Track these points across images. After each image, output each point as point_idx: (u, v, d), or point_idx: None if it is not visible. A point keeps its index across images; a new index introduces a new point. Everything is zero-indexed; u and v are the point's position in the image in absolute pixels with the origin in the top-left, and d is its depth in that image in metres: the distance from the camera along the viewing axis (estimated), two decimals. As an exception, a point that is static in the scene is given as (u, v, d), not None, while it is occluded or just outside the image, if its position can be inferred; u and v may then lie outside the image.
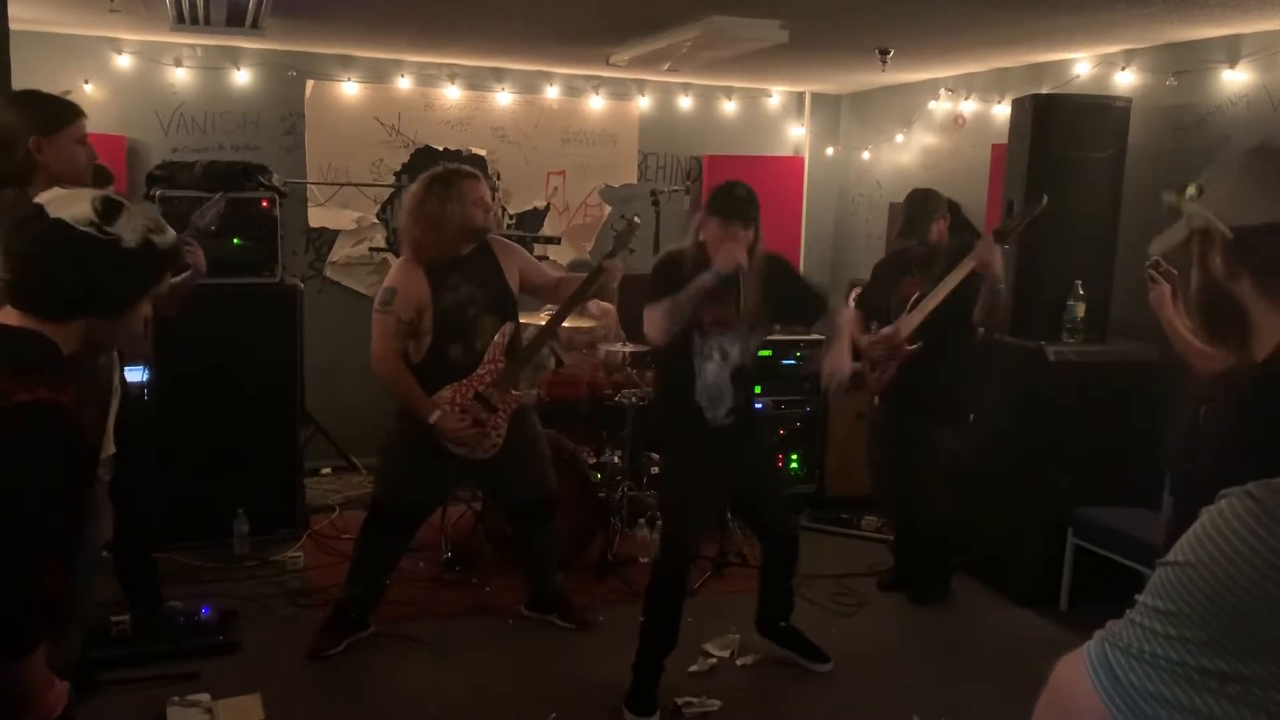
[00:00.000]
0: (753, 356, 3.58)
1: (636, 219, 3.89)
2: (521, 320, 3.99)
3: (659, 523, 4.80)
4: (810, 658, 3.84)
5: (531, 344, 3.96)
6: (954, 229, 4.39)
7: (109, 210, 1.66)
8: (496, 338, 3.75)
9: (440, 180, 3.67)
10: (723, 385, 3.47)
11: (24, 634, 1.56)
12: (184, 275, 3.53)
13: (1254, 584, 0.74)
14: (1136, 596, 0.84)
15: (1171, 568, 0.81)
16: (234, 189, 4.72)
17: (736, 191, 3.39)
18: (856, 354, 4.38)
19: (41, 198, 1.68)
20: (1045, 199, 4.04)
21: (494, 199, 6.22)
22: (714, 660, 3.85)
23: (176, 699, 3.34)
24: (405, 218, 3.73)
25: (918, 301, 4.21)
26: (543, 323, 4.19)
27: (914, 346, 4.19)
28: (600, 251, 6.67)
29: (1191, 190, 1.42)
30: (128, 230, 1.67)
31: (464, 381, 3.69)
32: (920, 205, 4.33)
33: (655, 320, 3.36)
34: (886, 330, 4.29)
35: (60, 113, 2.97)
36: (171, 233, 1.79)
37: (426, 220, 3.63)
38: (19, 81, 3.51)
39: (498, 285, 3.78)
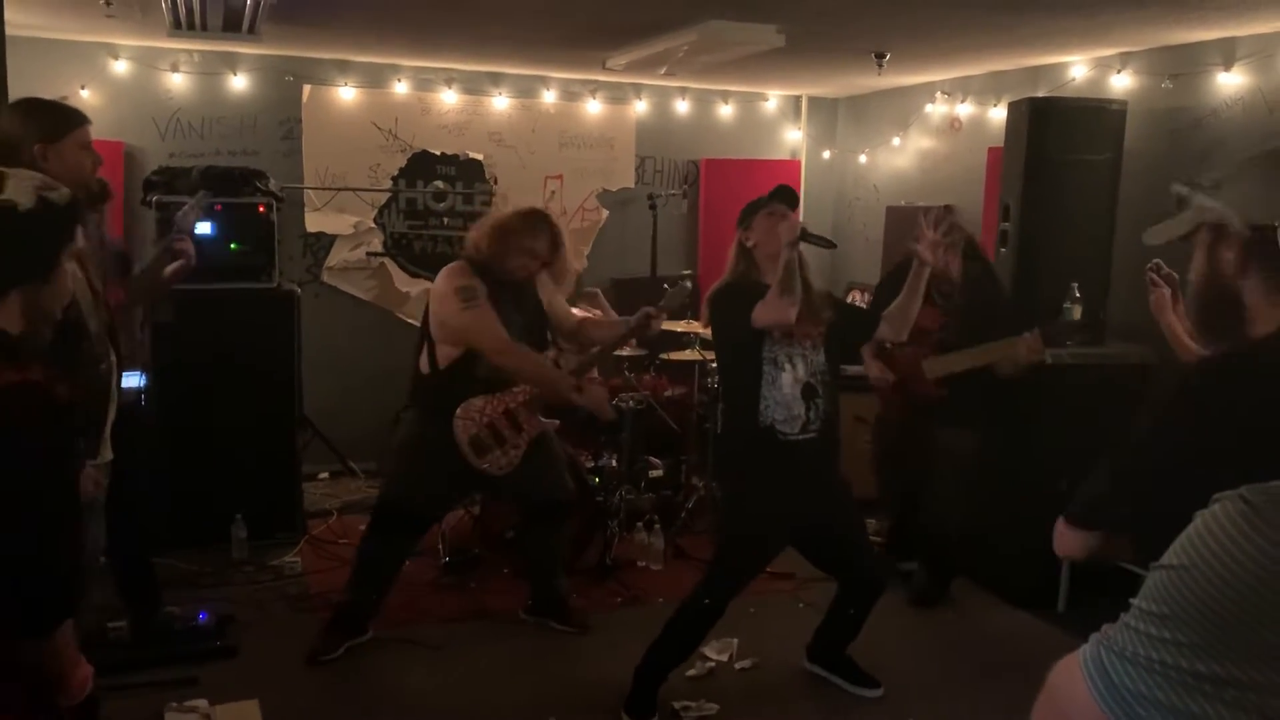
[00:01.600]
0: (820, 375, 3.37)
1: (689, 283, 4.01)
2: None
3: (656, 527, 4.82)
4: (859, 684, 3.71)
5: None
6: (968, 258, 4.32)
7: None
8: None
9: (536, 216, 3.78)
10: (792, 397, 3.30)
11: (49, 609, 1.59)
12: (176, 265, 3.55)
13: (1247, 587, 0.74)
14: (1131, 600, 0.84)
15: (1165, 571, 0.81)
16: (231, 194, 4.74)
17: (772, 191, 3.41)
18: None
19: None
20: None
21: (492, 204, 6.26)
22: (712, 664, 3.85)
23: (174, 704, 3.34)
24: (490, 234, 3.73)
25: (943, 343, 4.23)
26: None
27: (944, 392, 4.22)
28: (597, 256, 6.70)
29: (1207, 185, 1.49)
30: (19, 194, 1.66)
31: (499, 395, 3.74)
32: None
33: (772, 305, 3.16)
34: (905, 358, 4.31)
35: (64, 119, 2.97)
36: (64, 188, 1.78)
37: (515, 246, 3.70)
38: (15, 87, 3.51)
39: (537, 315, 3.88)
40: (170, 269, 3.58)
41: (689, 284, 3.99)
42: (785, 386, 3.30)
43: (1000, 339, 4.09)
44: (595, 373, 4.15)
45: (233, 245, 4.73)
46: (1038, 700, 0.93)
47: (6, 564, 1.53)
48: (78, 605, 1.78)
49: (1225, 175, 1.50)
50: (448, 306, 3.64)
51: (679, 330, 5.23)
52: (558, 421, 4.03)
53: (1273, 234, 1.41)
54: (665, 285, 4.04)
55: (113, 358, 2.94)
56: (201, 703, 3.36)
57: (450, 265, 3.79)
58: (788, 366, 3.31)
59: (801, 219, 3.40)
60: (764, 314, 3.19)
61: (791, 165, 7.23)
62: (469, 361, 3.69)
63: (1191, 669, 0.75)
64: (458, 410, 3.68)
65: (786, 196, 3.40)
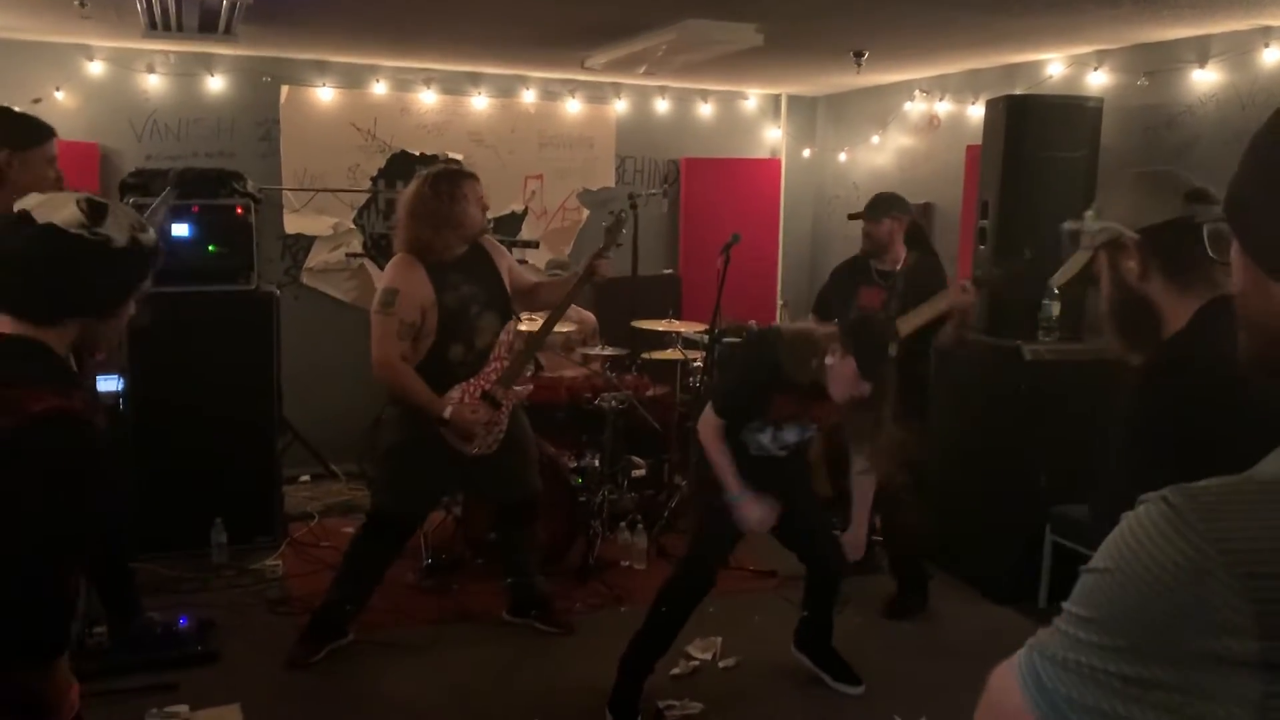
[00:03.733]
0: (802, 442, 3.51)
1: (624, 213, 3.91)
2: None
3: (639, 526, 4.82)
4: (843, 680, 3.73)
5: (531, 343, 3.98)
6: (912, 243, 4.38)
7: (96, 212, 1.67)
8: (502, 335, 3.76)
9: (445, 178, 3.65)
10: (771, 445, 3.41)
11: (54, 639, 1.58)
12: None
13: (1169, 590, 0.74)
14: (1063, 604, 0.84)
15: (1092, 574, 0.81)
16: (208, 196, 4.71)
17: (889, 352, 3.10)
18: None
19: (23, 203, 1.69)
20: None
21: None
22: (696, 663, 3.85)
23: (155, 710, 3.32)
24: (407, 217, 3.65)
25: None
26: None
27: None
28: (579, 255, 6.68)
29: (1090, 213, 1.62)
30: (116, 230, 1.68)
31: (471, 381, 3.70)
32: (884, 197, 4.40)
33: (709, 429, 3.27)
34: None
35: (34, 131, 2.95)
36: (153, 230, 1.80)
37: (435, 219, 3.59)
38: (-11, 88, 3.48)
39: (495, 283, 3.77)
40: None
41: (624, 213, 3.92)
42: (766, 439, 3.40)
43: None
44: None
45: (210, 247, 4.69)
46: (979, 705, 0.94)
47: (11, 595, 1.52)
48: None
49: (1102, 202, 1.62)
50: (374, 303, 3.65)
51: (660, 329, 5.23)
52: (531, 386, 4.02)
53: (1161, 229, 1.56)
54: (602, 224, 4.00)
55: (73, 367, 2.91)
56: (182, 708, 3.34)
57: (394, 258, 3.72)
58: (769, 432, 3.38)
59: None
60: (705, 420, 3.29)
61: (771, 164, 7.24)
62: (441, 352, 3.65)
63: (1119, 672, 0.75)
64: None
65: (872, 371, 3.07)
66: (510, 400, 3.78)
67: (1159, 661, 0.74)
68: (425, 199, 3.61)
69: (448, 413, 3.60)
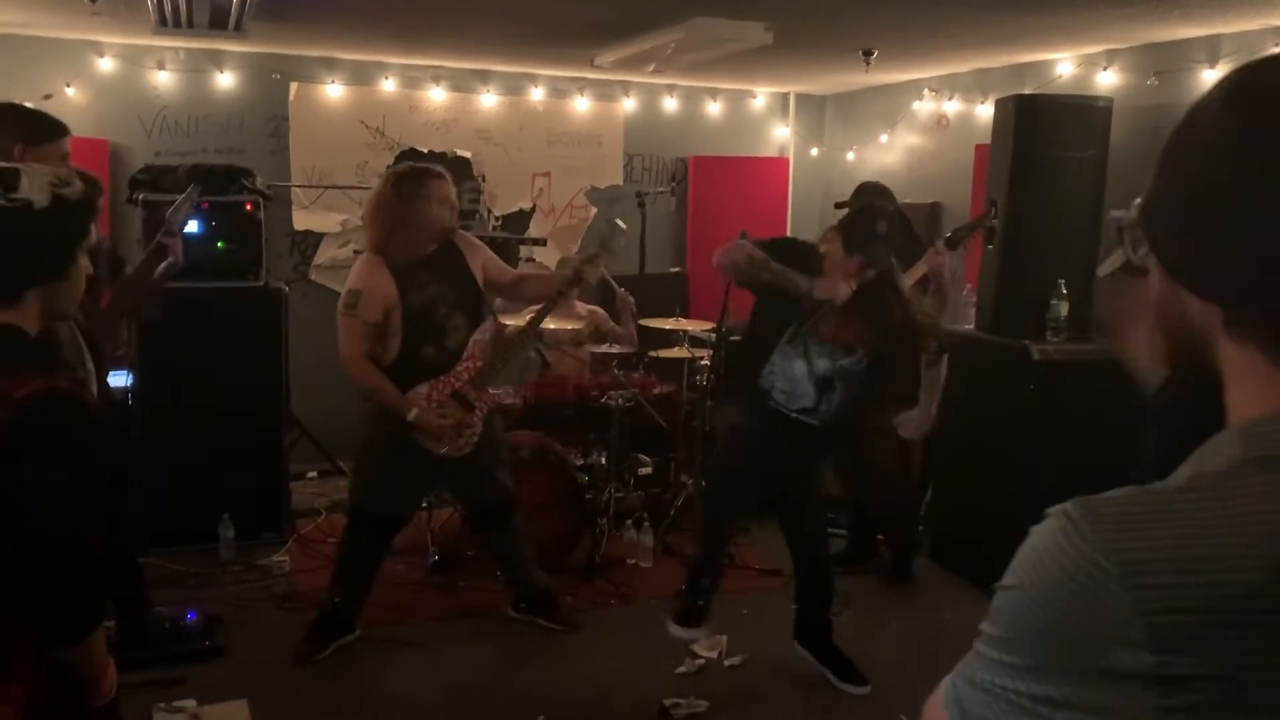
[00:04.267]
0: (847, 377, 3.51)
1: (620, 222, 3.89)
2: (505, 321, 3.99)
3: (646, 524, 4.82)
4: (848, 679, 3.70)
5: (512, 343, 3.92)
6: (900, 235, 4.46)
7: (6, 179, 1.64)
8: (477, 335, 3.73)
9: (408, 178, 3.63)
10: (802, 380, 3.47)
11: (87, 615, 1.60)
12: (165, 264, 3.53)
13: (1067, 605, 0.73)
14: (981, 625, 0.84)
15: (1002, 591, 0.81)
16: (218, 192, 4.72)
17: (877, 228, 3.37)
18: None
19: None
20: (994, 211, 4.33)
21: (480, 201, 6.26)
22: (702, 661, 3.85)
23: (162, 705, 3.32)
24: (369, 217, 3.66)
25: None
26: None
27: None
28: (601, 220, 6.68)
29: (1139, 201, 1.51)
30: (34, 191, 1.65)
31: (440, 379, 3.67)
32: (868, 186, 4.62)
33: (729, 252, 3.42)
34: None
35: (48, 127, 2.97)
36: (79, 182, 1.77)
37: (394, 221, 3.58)
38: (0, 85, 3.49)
39: (465, 282, 3.74)
40: (160, 268, 3.56)
41: (620, 222, 3.92)
42: (796, 368, 3.45)
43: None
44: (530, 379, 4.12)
45: (220, 244, 4.70)
46: None
47: (40, 571, 1.53)
48: (107, 607, 1.79)
49: (1147, 197, 1.52)
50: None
51: (667, 328, 5.23)
52: (511, 390, 4.01)
53: (1132, 230, 1.46)
54: (598, 233, 3.99)
55: (89, 365, 2.92)
56: (190, 703, 3.34)
57: (360, 259, 3.71)
58: (803, 358, 3.44)
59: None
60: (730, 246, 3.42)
61: (780, 162, 7.24)
62: (411, 351, 3.63)
63: (1029, 692, 0.74)
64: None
65: (865, 250, 3.36)
66: (485, 402, 3.76)
67: (1063, 679, 0.72)
68: (387, 199, 3.60)
69: (412, 415, 3.59)
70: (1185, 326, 0.84)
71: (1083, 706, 0.72)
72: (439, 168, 3.78)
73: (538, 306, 3.96)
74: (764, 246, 3.47)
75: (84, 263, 1.78)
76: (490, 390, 3.79)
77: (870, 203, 3.58)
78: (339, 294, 6.21)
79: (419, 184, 3.61)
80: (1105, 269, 1.65)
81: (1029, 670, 0.75)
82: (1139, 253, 1.36)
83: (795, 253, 3.48)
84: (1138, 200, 1.53)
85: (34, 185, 1.65)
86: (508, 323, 4.10)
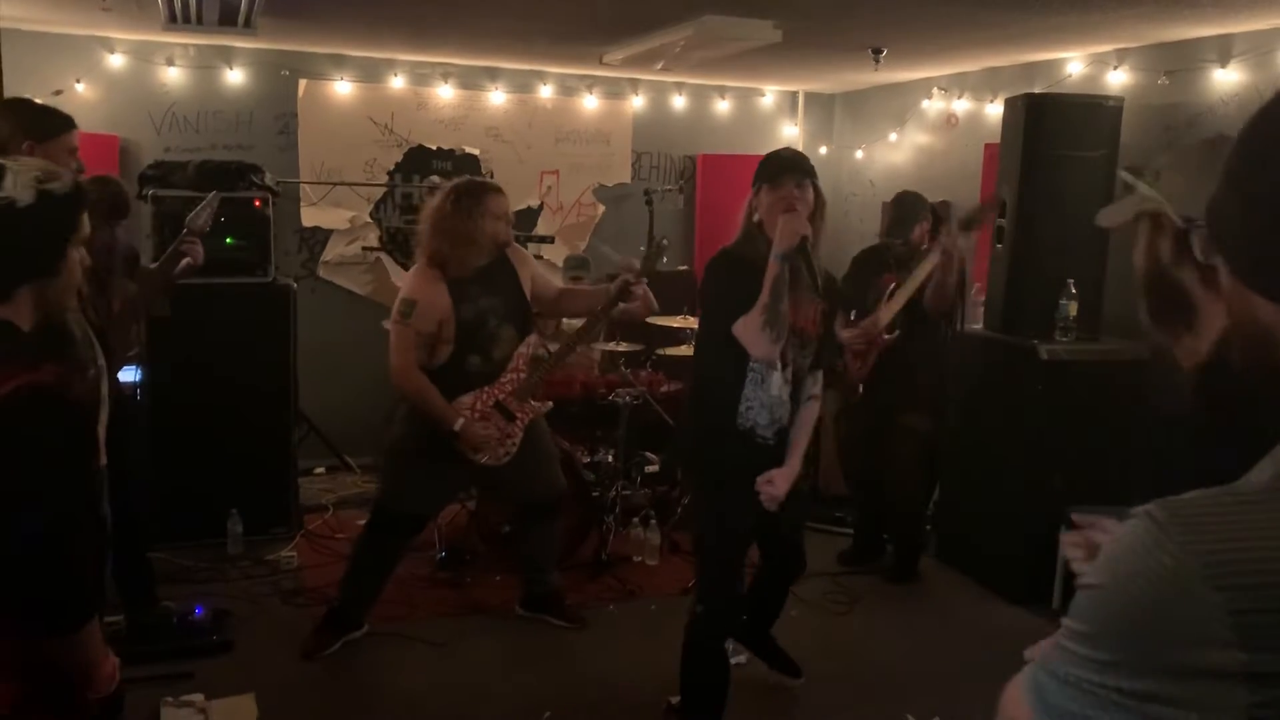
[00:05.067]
0: (804, 374, 3.09)
1: (665, 241, 3.91)
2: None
3: (652, 522, 4.82)
4: (785, 671, 3.72)
5: (554, 358, 3.92)
6: (935, 233, 4.58)
7: None
8: (521, 348, 3.78)
9: (467, 193, 3.65)
10: (784, 400, 3.00)
11: (77, 607, 1.59)
12: (182, 264, 3.55)
13: (1156, 604, 0.75)
14: (1062, 619, 0.85)
15: (1087, 589, 0.82)
16: (227, 188, 4.72)
17: (782, 154, 3.00)
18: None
19: None
20: (1004, 201, 4.37)
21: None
22: (708, 659, 3.85)
23: (170, 699, 3.33)
24: (429, 230, 3.67)
25: (893, 293, 4.46)
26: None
27: (892, 336, 4.46)
28: (593, 250, 6.69)
29: (1151, 172, 1.48)
30: (18, 189, 1.64)
31: (485, 390, 3.71)
32: (909, 208, 4.61)
33: (754, 334, 2.82)
34: (866, 321, 4.49)
35: (54, 122, 2.99)
36: (66, 175, 1.76)
37: (454, 235, 3.60)
38: (10, 80, 3.51)
39: (515, 295, 3.79)
40: (178, 268, 3.59)
41: (665, 241, 3.92)
42: (774, 387, 2.96)
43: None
44: (587, 367, 4.12)
45: (228, 240, 4.72)
46: None
47: (24, 565, 1.53)
48: (101, 602, 1.78)
49: (1167, 163, 1.47)
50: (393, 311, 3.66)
51: (675, 325, 5.23)
52: (551, 403, 4.02)
53: (1199, 229, 1.37)
54: (641, 248, 3.94)
55: (101, 361, 2.93)
56: (198, 697, 3.35)
57: (414, 268, 3.74)
58: (778, 364, 2.94)
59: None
60: (742, 334, 2.85)
61: (788, 161, 7.22)
62: (459, 361, 3.67)
63: (1115, 685, 0.77)
64: None
65: (794, 166, 2.93)
66: (526, 415, 3.80)
67: (1151, 674, 0.75)
68: (446, 214, 3.62)
69: (458, 425, 3.62)
70: (1254, 326, 0.85)
71: (1172, 701, 0.74)
72: (497, 183, 3.82)
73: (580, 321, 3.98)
74: (730, 284, 2.94)
75: (77, 256, 1.77)
76: (532, 402, 3.82)
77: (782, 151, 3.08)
78: (347, 291, 6.27)
79: (477, 199, 3.64)
80: (1106, 219, 1.62)
81: (1114, 665, 0.77)
82: (1205, 256, 1.34)
83: (738, 270, 2.94)
84: (1152, 168, 1.47)
85: (18, 182, 1.64)
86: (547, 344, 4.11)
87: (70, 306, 1.85)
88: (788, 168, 2.93)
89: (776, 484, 2.98)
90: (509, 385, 3.75)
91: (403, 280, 3.74)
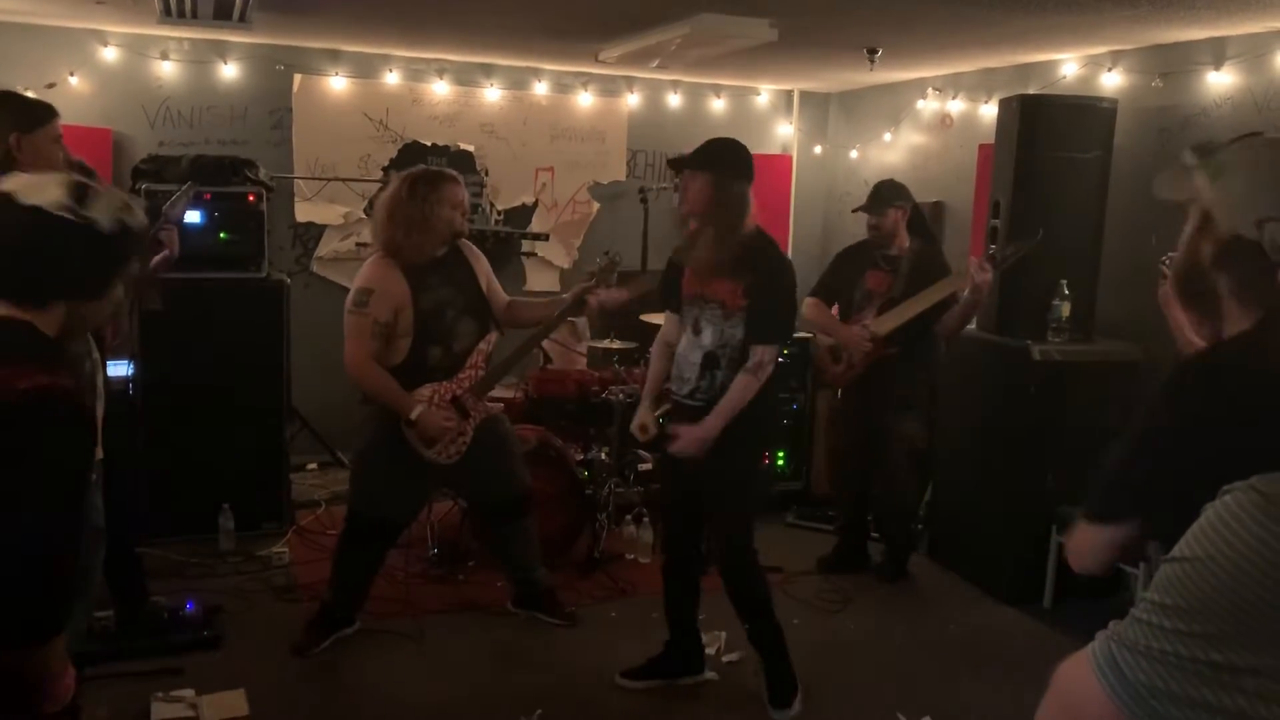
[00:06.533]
0: (729, 345, 3.26)
1: (618, 256, 3.89)
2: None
3: (646, 520, 4.83)
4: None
5: (506, 361, 3.89)
6: (913, 229, 4.56)
7: (81, 194, 1.66)
8: (481, 344, 3.76)
9: (424, 181, 3.64)
10: (688, 362, 3.33)
11: (50, 618, 1.57)
12: (160, 256, 3.54)
13: (1263, 575, 0.75)
14: (1142, 595, 0.84)
15: (1178, 563, 0.81)
16: (221, 183, 4.72)
17: (701, 145, 3.35)
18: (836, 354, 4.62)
19: (7, 184, 1.67)
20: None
21: (483, 195, 6.27)
22: (700, 657, 3.85)
23: (160, 694, 3.33)
24: (384, 217, 3.64)
25: (889, 302, 4.39)
26: None
27: (894, 349, 4.37)
28: (588, 250, 6.68)
29: (1214, 164, 1.41)
30: (102, 213, 1.67)
31: (444, 383, 3.69)
32: (887, 188, 4.55)
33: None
34: (862, 331, 4.41)
35: (38, 112, 2.99)
36: (141, 212, 1.79)
37: (409, 222, 3.58)
38: (3, 73, 3.50)
39: (473, 289, 3.77)
40: (155, 260, 3.58)
41: (619, 256, 3.90)
42: (681, 348, 3.37)
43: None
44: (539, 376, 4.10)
45: (222, 235, 4.71)
46: (1044, 702, 0.93)
47: (10, 571, 1.51)
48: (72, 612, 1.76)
49: (1232, 160, 1.38)
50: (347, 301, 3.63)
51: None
52: (502, 405, 4.00)
53: (1244, 244, 1.32)
54: (597, 260, 3.94)
55: (95, 355, 2.93)
56: (188, 692, 3.35)
57: (370, 259, 3.71)
58: (690, 330, 3.33)
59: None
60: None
61: (783, 160, 7.23)
62: (420, 353, 3.64)
63: (1208, 659, 0.76)
64: None
65: (686, 161, 3.38)
66: (479, 413, 3.77)
67: (1248, 647, 0.74)
68: (402, 201, 3.60)
69: (415, 413, 3.59)
70: None
71: (1271, 673, 0.73)
72: (453, 171, 3.79)
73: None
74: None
75: (118, 294, 1.79)
76: (487, 403, 3.81)
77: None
78: (341, 286, 6.26)
79: (434, 187, 3.62)
80: (1161, 189, 1.56)
81: (1210, 638, 0.76)
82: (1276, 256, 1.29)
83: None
84: (1213, 159, 1.42)
85: (103, 207, 1.67)
86: None
87: (89, 332, 1.85)
88: (681, 163, 3.35)
89: (681, 436, 3.25)
90: (466, 381, 3.72)
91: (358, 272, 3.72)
